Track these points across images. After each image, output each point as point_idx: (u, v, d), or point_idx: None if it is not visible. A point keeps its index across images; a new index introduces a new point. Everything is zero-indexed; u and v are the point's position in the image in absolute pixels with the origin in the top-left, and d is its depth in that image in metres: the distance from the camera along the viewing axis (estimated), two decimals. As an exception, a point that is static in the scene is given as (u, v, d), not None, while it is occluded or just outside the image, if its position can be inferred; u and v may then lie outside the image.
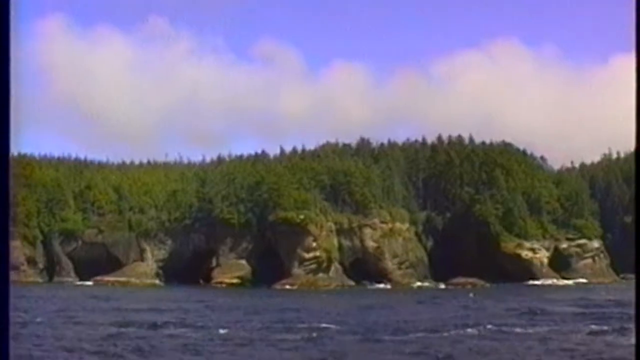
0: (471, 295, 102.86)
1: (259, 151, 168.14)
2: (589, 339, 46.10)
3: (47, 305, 76.29)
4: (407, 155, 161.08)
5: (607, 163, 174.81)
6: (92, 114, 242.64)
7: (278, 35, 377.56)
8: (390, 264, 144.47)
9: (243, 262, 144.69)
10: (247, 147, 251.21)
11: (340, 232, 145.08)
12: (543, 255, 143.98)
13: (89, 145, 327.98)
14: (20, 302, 73.15)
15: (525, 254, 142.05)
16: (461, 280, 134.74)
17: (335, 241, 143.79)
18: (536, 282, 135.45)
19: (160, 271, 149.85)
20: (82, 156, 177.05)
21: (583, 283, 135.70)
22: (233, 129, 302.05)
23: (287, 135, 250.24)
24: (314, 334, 49.17)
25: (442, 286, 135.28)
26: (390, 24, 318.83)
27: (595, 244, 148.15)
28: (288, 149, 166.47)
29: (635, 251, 5.74)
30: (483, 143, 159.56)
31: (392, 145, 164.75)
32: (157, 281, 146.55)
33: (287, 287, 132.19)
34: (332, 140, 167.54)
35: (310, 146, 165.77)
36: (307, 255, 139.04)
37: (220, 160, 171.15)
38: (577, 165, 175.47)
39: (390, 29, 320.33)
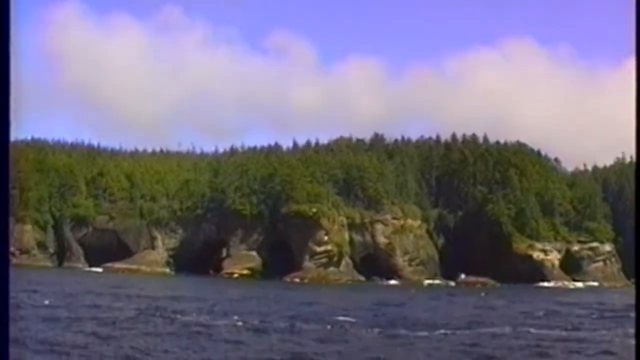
0: (483, 294, 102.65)
1: (272, 143, 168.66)
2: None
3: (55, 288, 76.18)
4: (421, 152, 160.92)
5: (620, 167, 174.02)
6: (106, 102, 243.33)
7: (293, 27, 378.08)
8: (400, 261, 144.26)
9: (254, 253, 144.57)
10: (259, 139, 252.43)
11: (351, 226, 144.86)
12: (554, 257, 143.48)
13: (102, 132, 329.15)
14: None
15: (537, 255, 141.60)
16: (472, 279, 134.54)
17: (346, 236, 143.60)
18: (549, 284, 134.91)
19: (171, 260, 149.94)
20: (95, 143, 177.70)
21: (594, 286, 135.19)
22: (245, 121, 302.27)
23: (300, 128, 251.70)
24: (334, 327, 48.93)
25: (453, 284, 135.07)
26: (405, 20, 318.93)
27: (607, 247, 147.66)
28: (300, 142, 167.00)
29: (635, 252, 5.62)
30: (497, 142, 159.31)
31: (406, 141, 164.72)
32: (167, 270, 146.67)
33: (297, 280, 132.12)
34: (345, 135, 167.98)
35: (323, 140, 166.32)
36: (318, 249, 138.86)
37: (233, 151, 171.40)
38: (589, 168, 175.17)
39: (405, 25, 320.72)
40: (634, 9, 5.16)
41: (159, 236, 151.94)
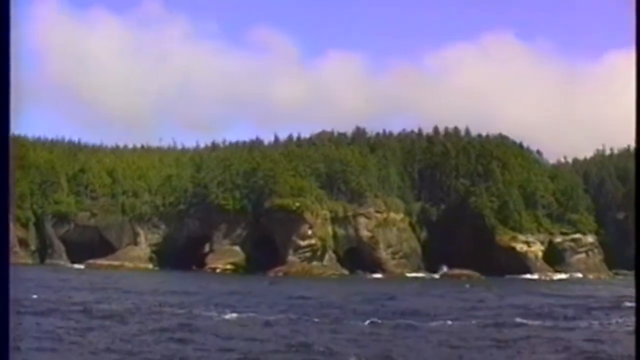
0: (467, 286, 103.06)
1: (253, 138, 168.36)
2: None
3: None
4: (403, 145, 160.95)
5: (601, 159, 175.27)
6: (86, 97, 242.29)
7: (273, 22, 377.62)
8: (384, 254, 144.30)
9: (237, 248, 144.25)
10: (240, 134, 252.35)
11: (335, 220, 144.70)
12: (538, 249, 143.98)
13: (83, 128, 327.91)
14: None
15: (520, 247, 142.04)
16: (456, 271, 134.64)
17: (330, 229, 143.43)
18: (534, 276, 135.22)
19: (154, 255, 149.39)
20: (75, 139, 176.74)
21: (579, 278, 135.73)
22: (226, 116, 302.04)
23: (281, 123, 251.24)
24: (336, 318, 48.96)
25: (437, 277, 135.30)
26: (386, 16, 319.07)
27: (590, 238, 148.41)
28: (282, 137, 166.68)
29: (635, 249, 5.57)
30: (479, 135, 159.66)
31: (388, 135, 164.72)
32: (150, 265, 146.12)
33: (281, 274, 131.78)
34: (327, 129, 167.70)
35: (305, 134, 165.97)
36: (302, 243, 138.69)
37: (214, 146, 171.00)
38: (570, 160, 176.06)
39: (386, 21, 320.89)
40: (634, 10, 5.09)
41: (141, 232, 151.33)
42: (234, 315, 49.85)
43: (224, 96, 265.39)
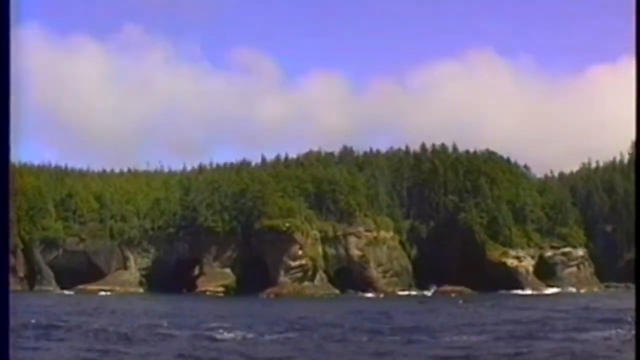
0: (460, 302, 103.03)
1: (240, 159, 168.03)
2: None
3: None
4: (391, 163, 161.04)
5: (587, 172, 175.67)
6: (70, 123, 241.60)
7: (254, 43, 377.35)
8: (375, 273, 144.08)
9: (227, 270, 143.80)
10: (225, 156, 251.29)
11: (325, 240, 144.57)
12: (528, 264, 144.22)
13: (67, 153, 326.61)
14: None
15: (511, 262, 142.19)
16: (448, 288, 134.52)
17: (320, 249, 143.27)
18: (526, 292, 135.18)
19: (144, 280, 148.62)
20: (62, 164, 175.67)
21: (571, 292, 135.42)
22: (211, 138, 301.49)
23: (266, 143, 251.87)
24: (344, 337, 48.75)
25: (429, 294, 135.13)
26: (366, 35, 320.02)
27: (580, 252, 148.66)
28: (268, 157, 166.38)
29: (636, 252, 5.54)
30: (467, 152, 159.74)
31: (375, 153, 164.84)
32: (140, 290, 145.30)
33: (273, 295, 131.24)
34: (314, 149, 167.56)
35: (291, 154, 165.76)
36: (293, 264, 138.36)
37: (201, 168, 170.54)
38: (556, 174, 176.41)
39: (366, 39, 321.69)
40: (634, 9, 5.05)
41: (131, 256, 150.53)
42: (239, 333, 49.51)
43: (208, 119, 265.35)
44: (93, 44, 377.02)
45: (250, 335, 48.67)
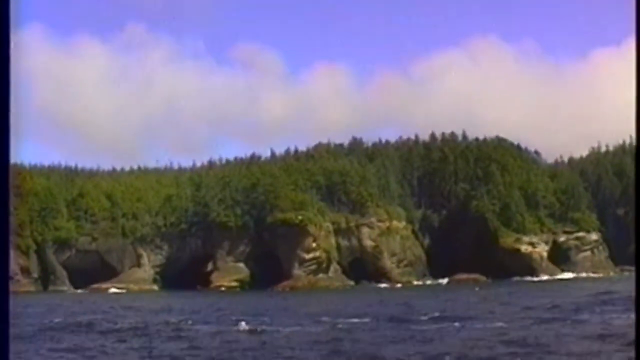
0: (477, 289, 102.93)
1: (246, 155, 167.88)
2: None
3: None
4: (401, 153, 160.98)
5: (596, 157, 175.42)
6: (77, 123, 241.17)
7: (256, 38, 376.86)
8: (388, 263, 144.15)
9: (241, 265, 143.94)
10: (232, 152, 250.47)
11: (337, 232, 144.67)
12: (542, 249, 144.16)
13: (77, 153, 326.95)
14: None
15: (525, 248, 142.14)
16: (463, 276, 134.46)
17: (333, 241, 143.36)
18: (542, 277, 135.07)
19: (158, 277, 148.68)
20: (72, 164, 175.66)
21: (587, 276, 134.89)
22: (217, 134, 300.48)
23: (272, 138, 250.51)
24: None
25: (444, 283, 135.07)
26: (368, 26, 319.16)
27: (594, 236, 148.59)
28: (277, 151, 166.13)
29: (636, 246, 5.50)
30: (477, 139, 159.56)
31: (385, 144, 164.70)
32: (155, 287, 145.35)
33: (288, 289, 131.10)
34: (319, 141, 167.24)
35: (301, 148, 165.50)
36: (307, 256, 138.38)
37: (211, 164, 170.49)
38: (565, 160, 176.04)
39: (368, 31, 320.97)
40: (633, 7, 5.00)
41: (144, 253, 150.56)
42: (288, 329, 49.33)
43: (214, 115, 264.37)
44: (96, 43, 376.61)
45: (287, 330, 48.54)
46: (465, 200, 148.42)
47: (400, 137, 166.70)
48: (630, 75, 5.09)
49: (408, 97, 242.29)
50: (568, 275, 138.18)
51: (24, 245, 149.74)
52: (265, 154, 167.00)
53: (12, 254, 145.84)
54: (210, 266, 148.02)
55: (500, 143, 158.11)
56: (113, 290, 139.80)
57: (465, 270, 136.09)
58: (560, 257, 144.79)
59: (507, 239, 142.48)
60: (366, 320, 54.08)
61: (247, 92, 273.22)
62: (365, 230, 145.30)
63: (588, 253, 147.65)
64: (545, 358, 33.73)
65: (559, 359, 33.78)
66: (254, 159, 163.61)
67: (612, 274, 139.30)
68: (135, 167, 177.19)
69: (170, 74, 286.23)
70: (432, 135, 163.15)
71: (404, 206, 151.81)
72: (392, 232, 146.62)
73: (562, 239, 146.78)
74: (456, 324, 48.32)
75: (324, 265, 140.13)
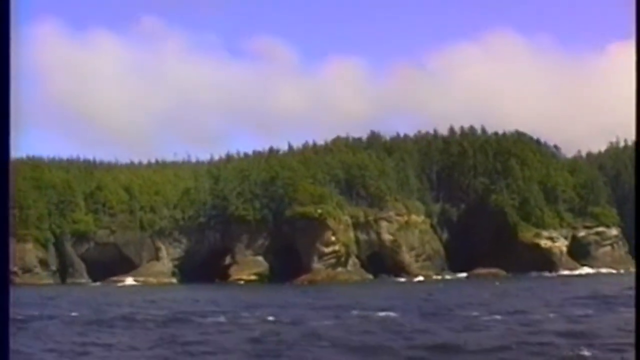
0: (497, 283, 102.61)
1: (263, 148, 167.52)
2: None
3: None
4: (420, 147, 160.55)
5: (615, 151, 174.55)
6: (95, 116, 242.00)
7: (272, 31, 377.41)
8: (407, 257, 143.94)
9: (260, 258, 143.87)
10: (248, 145, 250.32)
11: (356, 225, 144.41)
12: (562, 244, 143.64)
13: (95, 146, 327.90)
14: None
15: (544, 243, 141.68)
16: (482, 270, 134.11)
17: (352, 235, 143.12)
18: (561, 272, 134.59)
19: (176, 270, 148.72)
20: (90, 157, 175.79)
21: (607, 272, 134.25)
22: (232, 127, 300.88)
23: (287, 131, 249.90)
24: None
25: (463, 277, 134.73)
26: (383, 19, 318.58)
27: (614, 231, 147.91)
28: (294, 144, 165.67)
29: (636, 246, 5.39)
30: (496, 133, 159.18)
31: (403, 138, 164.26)
32: (174, 280, 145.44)
33: (307, 282, 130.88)
34: (340, 135, 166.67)
35: (318, 140, 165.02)
36: (326, 250, 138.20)
37: (229, 157, 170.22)
38: (583, 154, 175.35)
39: (383, 23, 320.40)
40: (633, 7, 4.79)
41: (162, 247, 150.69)
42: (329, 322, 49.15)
43: (229, 107, 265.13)
44: (112, 36, 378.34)
45: (327, 323, 48.30)
46: (484, 195, 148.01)
47: (419, 131, 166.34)
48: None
49: (424, 90, 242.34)
50: (588, 270, 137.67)
51: (42, 238, 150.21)
52: (283, 147, 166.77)
53: (31, 246, 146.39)
54: (228, 259, 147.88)
55: (519, 137, 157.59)
56: (130, 282, 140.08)
57: (484, 264, 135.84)
58: (580, 252, 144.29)
59: (527, 234, 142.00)
60: (396, 313, 53.78)
61: (263, 84, 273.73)
62: (383, 224, 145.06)
63: (608, 248, 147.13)
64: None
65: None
66: (272, 152, 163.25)
67: (632, 269, 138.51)
68: (153, 160, 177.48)
69: (186, 66, 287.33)
70: (451, 129, 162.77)
71: (422, 200, 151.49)
72: (410, 226, 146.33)
73: (582, 233, 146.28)
74: (493, 316, 48.05)
75: (343, 259, 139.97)
